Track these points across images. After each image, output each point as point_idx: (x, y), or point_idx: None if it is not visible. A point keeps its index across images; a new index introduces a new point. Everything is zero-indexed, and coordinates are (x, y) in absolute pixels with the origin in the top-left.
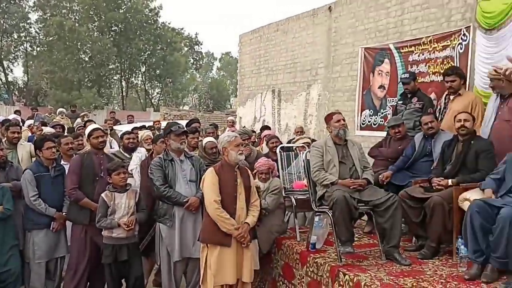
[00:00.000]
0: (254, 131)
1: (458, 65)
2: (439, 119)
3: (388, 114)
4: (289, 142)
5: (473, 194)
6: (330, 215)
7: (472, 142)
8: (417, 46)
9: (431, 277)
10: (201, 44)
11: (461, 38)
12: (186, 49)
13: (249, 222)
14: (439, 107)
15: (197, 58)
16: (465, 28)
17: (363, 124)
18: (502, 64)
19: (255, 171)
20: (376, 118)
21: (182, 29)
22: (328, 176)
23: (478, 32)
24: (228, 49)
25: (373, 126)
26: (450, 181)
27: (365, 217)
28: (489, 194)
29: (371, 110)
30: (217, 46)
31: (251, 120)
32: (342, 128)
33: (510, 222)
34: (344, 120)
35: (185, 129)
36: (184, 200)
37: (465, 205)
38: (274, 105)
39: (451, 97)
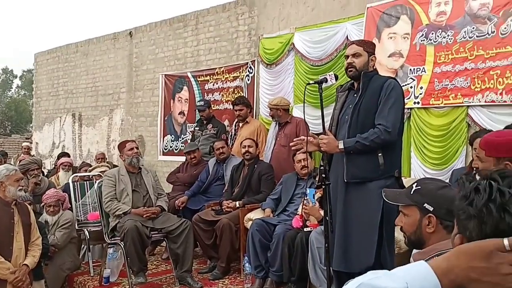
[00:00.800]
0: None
1: (246, 95)
2: (230, 144)
3: (188, 139)
4: (80, 169)
5: (256, 214)
6: (122, 246)
7: (256, 166)
8: (212, 76)
9: None
10: None
11: (248, 71)
12: None
13: (28, 264)
14: (230, 133)
15: None
16: (251, 61)
17: (165, 149)
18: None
19: (42, 203)
20: (177, 143)
21: None
22: (121, 206)
23: (261, 66)
24: (30, 66)
25: (175, 151)
26: (237, 203)
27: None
28: (268, 213)
29: (172, 136)
30: (17, 62)
31: (50, 146)
32: (135, 156)
33: (283, 237)
34: (137, 148)
35: None
36: None
37: (249, 225)
38: (74, 129)
39: (240, 124)
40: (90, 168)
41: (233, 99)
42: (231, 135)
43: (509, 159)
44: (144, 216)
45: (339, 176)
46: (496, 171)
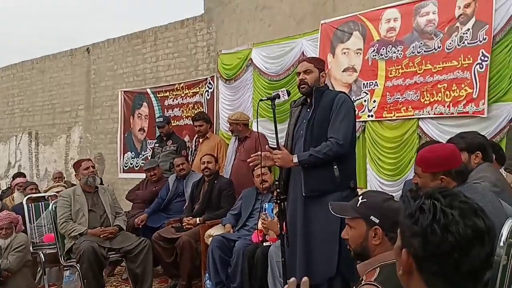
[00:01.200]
0: None
1: (206, 110)
2: (191, 160)
3: (149, 156)
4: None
5: (216, 230)
6: (78, 268)
7: (215, 181)
8: (171, 92)
9: None
10: None
11: (207, 86)
12: None
13: None
14: (191, 149)
15: None
16: (210, 77)
17: (126, 166)
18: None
19: None
20: (138, 160)
21: None
22: (77, 227)
23: (220, 82)
24: None
25: (135, 168)
26: (198, 219)
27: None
28: (228, 229)
29: (133, 152)
30: None
31: (5, 165)
32: (91, 176)
33: (243, 253)
34: (93, 167)
35: None
36: None
37: (210, 241)
38: (31, 148)
39: (201, 140)
40: (46, 188)
41: (193, 115)
42: (191, 151)
43: (443, 173)
44: (101, 236)
45: (298, 190)
46: (438, 189)
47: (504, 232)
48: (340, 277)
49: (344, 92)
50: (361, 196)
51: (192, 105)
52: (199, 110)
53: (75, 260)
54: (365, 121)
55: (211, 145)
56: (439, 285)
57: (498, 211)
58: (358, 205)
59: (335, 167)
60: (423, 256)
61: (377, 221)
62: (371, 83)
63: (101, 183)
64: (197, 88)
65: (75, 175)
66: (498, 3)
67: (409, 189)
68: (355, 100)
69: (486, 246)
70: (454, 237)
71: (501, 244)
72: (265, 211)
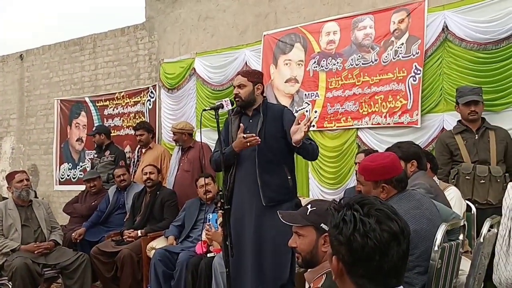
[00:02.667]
0: None
1: (148, 120)
2: (134, 171)
3: (87, 167)
4: None
5: (159, 242)
6: (10, 286)
7: (158, 192)
8: (111, 101)
9: None
10: None
11: (149, 95)
12: None
13: None
14: (133, 159)
15: None
16: (152, 86)
17: (62, 178)
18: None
19: None
20: (75, 171)
21: None
22: (8, 242)
23: (162, 91)
24: None
25: (73, 180)
26: (139, 232)
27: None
28: (171, 241)
29: (70, 164)
30: None
31: None
32: (25, 189)
33: (186, 265)
34: (27, 179)
35: None
36: None
37: (152, 254)
38: None
39: (143, 150)
40: None
41: (134, 124)
42: (133, 161)
43: (384, 181)
44: (36, 252)
45: (250, 201)
46: (357, 199)
47: (438, 237)
48: (292, 285)
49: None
50: (309, 204)
51: (133, 114)
52: (141, 119)
53: (7, 278)
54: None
55: (154, 156)
56: (367, 285)
57: (434, 217)
58: (308, 213)
59: (289, 177)
60: (350, 262)
61: (326, 228)
62: (312, 94)
63: (35, 196)
64: (139, 97)
65: (7, 187)
66: (429, 19)
67: (333, 199)
68: (297, 110)
69: (402, 244)
70: (373, 243)
71: (436, 248)
72: (209, 221)
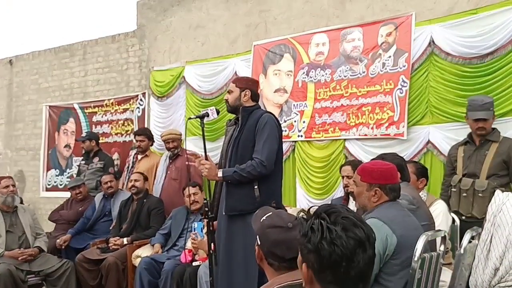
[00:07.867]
0: None
1: (137, 127)
2: (127, 177)
3: (75, 174)
4: None
5: (145, 250)
6: None
7: (145, 200)
8: (100, 107)
9: None
10: None
11: (139, 103)
12: None
13: None
14: (127, 165)
15: None
16: (142, 94)
17: (49, 184)
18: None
19: None
20: (62, 178)
21: None
22: None
23: (152, 99)
24: None
25: (60, 186)
26: (125, 240)
27: None
28: (157, 249)
29: (57, 170)
30: None
31: None
32: (11, 195)
33: (172, 273)
34: (14, 185)
35: None
36: None
37: (138, 262)
38: None
39: (139, 156)
40: None
41: (122, 132)
42: (128, 167)
43: (379, 186)
44: (20, 258)
45: (221, 210)
46: (324, 208)
47: (419, 247)
48: None
49: (270, 112)
50: (260, 211)
51: (122, 121)
52: (130, 127)
53: None
54: (295, 141)
55: (149, 164)
56: None
57: (419, 229)
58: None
59: (256, 187)
60: (319, 269)
61: (259, 242)
62: (300, 104)
63: (21, 203)
64: (128, 104)
65: None
66: (416, 33)
67: (301, 209)
68: (286, 120)
69: (368, 250)
70: (340, 250)
71: (415, 259)
72: (194, 230)
